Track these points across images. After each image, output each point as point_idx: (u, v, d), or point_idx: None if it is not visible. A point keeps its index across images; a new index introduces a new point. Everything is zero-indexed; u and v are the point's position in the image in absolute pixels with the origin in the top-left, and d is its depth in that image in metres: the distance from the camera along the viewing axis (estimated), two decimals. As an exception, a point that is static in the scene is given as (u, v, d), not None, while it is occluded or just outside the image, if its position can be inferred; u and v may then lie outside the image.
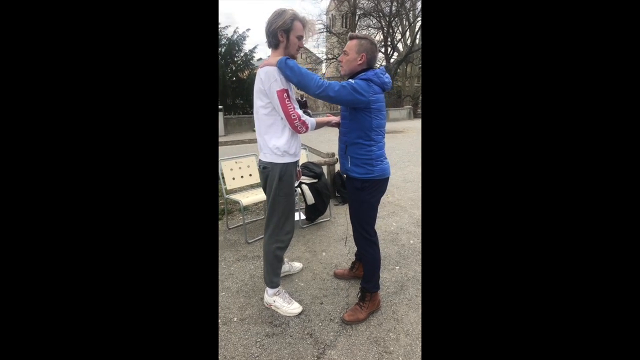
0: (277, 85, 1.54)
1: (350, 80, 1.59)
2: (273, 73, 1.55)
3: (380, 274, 1.92)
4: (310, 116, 1.74)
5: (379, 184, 1.70)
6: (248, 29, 18.94)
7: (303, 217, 3.09)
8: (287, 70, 1.53)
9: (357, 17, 15.80)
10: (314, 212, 3.01)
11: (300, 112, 1.65)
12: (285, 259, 2.31)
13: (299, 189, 2.88)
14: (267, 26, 1.58)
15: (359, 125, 1.63)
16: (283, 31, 1.57)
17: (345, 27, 21.09)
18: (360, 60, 1.65)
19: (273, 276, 1.91)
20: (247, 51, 14.70)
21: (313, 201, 2.86)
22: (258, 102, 1.63)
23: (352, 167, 1.69)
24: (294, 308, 1.85)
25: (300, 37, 1.61)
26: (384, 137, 1.71)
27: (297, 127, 1.63)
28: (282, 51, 1.61)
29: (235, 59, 14.44)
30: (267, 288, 1.91)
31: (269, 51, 1.67)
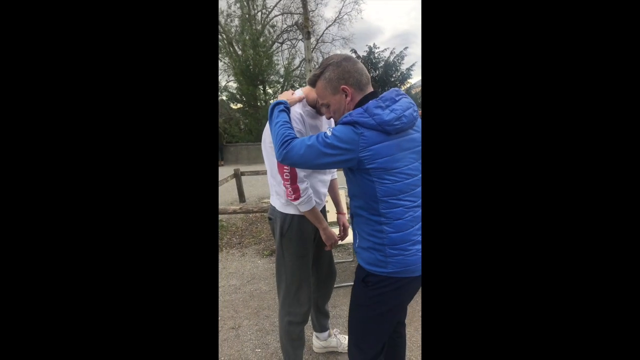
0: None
1: (332, 128, 0.97)
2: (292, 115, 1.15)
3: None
4: None
5: (395, 286, 1.00)
6: (406, 47, 18.36)
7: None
8: (270, 113, 1.11)
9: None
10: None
11: (301, 177, 1.17)
12: (336, 330, 1.77)
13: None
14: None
15: (360, 191, 0.99)
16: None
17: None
18: (347, 98, 0.99)
19: (288, 358, 1.44)
20: (404, 70, 14.35)
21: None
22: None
23: (359, 249, 1.06)
24: None
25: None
26: (410, 211, 0.97)
27: (287, 191, 1.18)
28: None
29: (392, 79, 14.32)
30: None
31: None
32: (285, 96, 1.19)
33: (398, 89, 1.03)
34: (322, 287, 1.57)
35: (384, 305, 1.02)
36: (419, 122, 1.02)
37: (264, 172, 4.14)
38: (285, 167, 1.14)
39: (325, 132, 0.96)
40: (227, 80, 13.07)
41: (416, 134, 1.00)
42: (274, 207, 1.31)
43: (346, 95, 0.99)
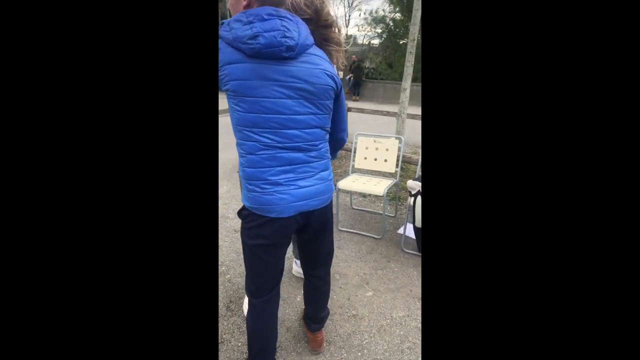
0: None
1: None
2: None
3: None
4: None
5: (257, 223, 0.98)
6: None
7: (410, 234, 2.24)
8: None
9: None
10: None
11: None
12: (297, 261, 1.98)
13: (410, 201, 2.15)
14: None
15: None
16: None
17: None
18: (244, 2, 0.88)
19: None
20: None
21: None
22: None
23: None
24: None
25: None
26: (268, 149, 0.92)
27: None
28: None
29: None
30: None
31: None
32: None
33: (279, 8, 0.85)
34: None
35: (252, 239, 1.02)
36: (314, 58, 0.91)
37: (379, 112, 4.26)
38: None
39: None
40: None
41: (296, 68, 0.87)
42: None
43: None
